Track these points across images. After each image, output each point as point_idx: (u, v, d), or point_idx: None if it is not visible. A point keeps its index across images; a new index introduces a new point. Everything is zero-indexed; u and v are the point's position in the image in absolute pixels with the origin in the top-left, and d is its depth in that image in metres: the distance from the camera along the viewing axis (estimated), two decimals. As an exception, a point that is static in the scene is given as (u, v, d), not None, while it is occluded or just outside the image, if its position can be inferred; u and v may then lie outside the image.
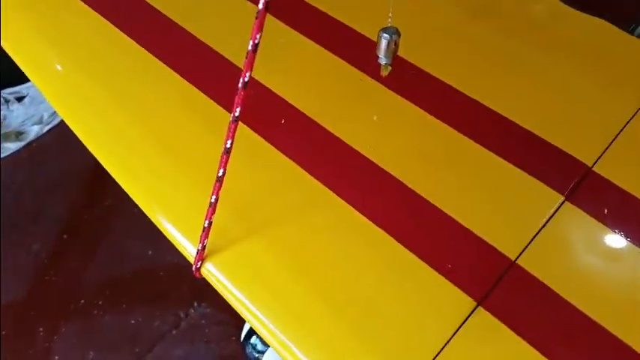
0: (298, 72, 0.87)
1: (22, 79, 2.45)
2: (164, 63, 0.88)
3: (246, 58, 0.51)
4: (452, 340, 0.60)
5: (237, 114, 0.55)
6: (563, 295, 0.62)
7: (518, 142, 0.75)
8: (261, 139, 0.78)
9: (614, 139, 0.73)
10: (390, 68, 0.66)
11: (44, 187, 2.17)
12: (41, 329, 1.81)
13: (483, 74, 0.84)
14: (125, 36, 0.93)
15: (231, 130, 0.57)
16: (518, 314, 0.61)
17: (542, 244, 0.66)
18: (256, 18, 0.47)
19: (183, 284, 1.85)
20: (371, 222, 0.69)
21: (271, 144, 0.77)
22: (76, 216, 2.07)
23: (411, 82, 0.82)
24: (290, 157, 0.75)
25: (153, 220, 0.75)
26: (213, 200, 0.63)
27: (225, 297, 0.67)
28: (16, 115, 2.41)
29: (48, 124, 2.35)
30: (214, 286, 0.68)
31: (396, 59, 0.64)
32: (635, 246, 0.65)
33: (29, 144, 2.31)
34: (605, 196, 0.69)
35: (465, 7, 0.93)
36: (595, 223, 0.67)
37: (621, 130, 0.74)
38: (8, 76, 2.47)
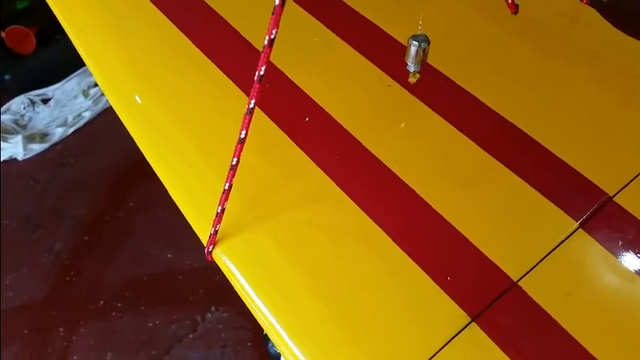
0: (328, 72, 0.86)
1: (49, 81, 2.51)
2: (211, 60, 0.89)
3: (262, 52, 0.51)
4: (440, 353, 0.59)
5: (251, 106, 0.56)
6: (563, 324, 0.60)
7: (541, 165, 0.73)
8: (283, 134, 0.78)
9: None
10: (418, 76, 0.66)
11: (67, 188, 2.20)
12: (61, 329, 1.83)
13: (514, 92, 0.82)
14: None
15: (246, 121, 0.58)
16: (512, 336, 0.60)
17: (549, 269, 0.64)
18: (272, 14, 0.47)
19: (201, 288, 1.86)
20: (378, 226, 0.68)
21: (292, 139, 0.77)
22: (98, 218, 2.09)
23: (440, 94, 0.81)
24: (308, 155, 0.76)
25: (176, 200, 0.77)
26: (226, 187, 0.65)
27: (230, 281, 0.69)
28: (42, 116, 2.44)
29: (72, 126, 2.38)
30: (222, 270, 0.70)
31: (427, 69, 0.64)
32: None
33: (53, 145, 2.35)
34: (622, 228, 0.66)
35: (507, 24, 0.91)
36: (606, 254, 0.65)
37: None
38: (36, 78, 2.52)
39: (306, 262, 0.67)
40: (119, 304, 1.87)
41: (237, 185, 0.65)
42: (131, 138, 2.41)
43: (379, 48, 0.88)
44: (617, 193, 0.69)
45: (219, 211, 0.67)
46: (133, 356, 1.75)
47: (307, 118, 0.80)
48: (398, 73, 0.83)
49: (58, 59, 2.53)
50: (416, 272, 0.64)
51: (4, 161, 2.30)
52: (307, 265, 0.67)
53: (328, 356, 0.62)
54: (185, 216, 0.75)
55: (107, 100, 2.42)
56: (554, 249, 0.65)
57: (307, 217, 0.71)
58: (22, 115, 2.45)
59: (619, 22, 0.89)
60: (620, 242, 0.65)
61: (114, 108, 0.89)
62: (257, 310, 0.65)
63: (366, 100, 0.82)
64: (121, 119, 0.87)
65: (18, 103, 2.47)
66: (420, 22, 0.63)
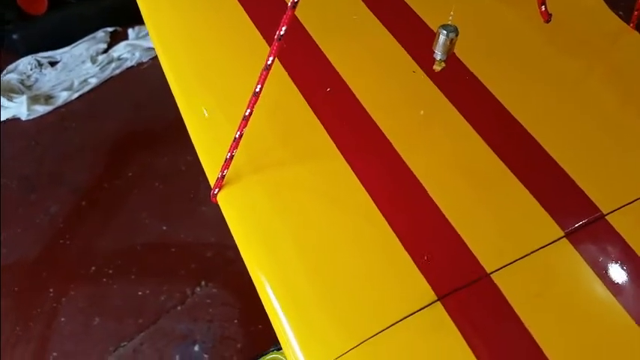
0: (358, 48, 0.89)
1: (58, 44, 2.51)
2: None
3: (273, 45, 0.58)
4: (401, 322, 0.63)
5: (269, 62, 0.61)
6: (525, 322, 0.63)
7: (542, 172, 0.75)
8: (302, 98, 0.82)
9: None
10: (443, 64, 0.67)
11: (67, 152, 2.22)
12: (51, 290, 1.85)
13: (534, 98, 0.83)
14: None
15: (263, 76, 0.63)
16: (473, 322, 0.63)
17: (523, 269, 0.66)
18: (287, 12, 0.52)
19: (193, 263, 1.88)
20: (370, 199, 0.72)
21: (310, 106, 0.81)
22: (96, 184, 2.11)
23: (461, 88, 0.83)
24: (322, 122, 0.79)
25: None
26: (237, 136, 0.70)
27: (228, 224, 0.75)
28: (48, 79, 2.45)
29: (77, 91, 2.39)
30: (223, 214, 0.76)
31: (454, 62, 0.65)
32: (618, 303, 0.64)
33: (57, 109, 2.35)
34: (607, 247, 0.68)
35: (543, 31, 0.91)
36: (585, 268, 0.66)
37: None
38: (45, 40, 2.52)
39: (293, 220, 0.73)
40: (110, 271, 1.89)
41: (248, 138, 0.70)
42: (135, 108, 2.43)
43: (412, 34, 0.90)
44: (610, 213, 0.70)
45: (227, 157, 0.72)
46: (120, 323, 1.77)
47: (328, 89, 0.83)
48: (425, 61, 0.85)
49: (68, 23, 2.53)
50: (396, 246, 0.68)
51: (7, 120, 2.31)
52: (294, 223, 0.73)
53: (297, 302, 0.67)
54: (200, 160, 0.80)
55: (114, 68, 2.43)
56: (533, 251, 0.67)
57: (304, 178, 0.76)
58: (29, 76, 2.45)
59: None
60: (602, 259, 0.67)
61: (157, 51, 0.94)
62: (244, 255, 0.72)
63: (389, 82, 0.85)
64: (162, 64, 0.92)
65: (25, 63, 2.47)
66: (452, 13, 0.65)
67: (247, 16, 0.93)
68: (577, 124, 0.80)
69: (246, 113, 0.67)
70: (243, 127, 0.69)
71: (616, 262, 0.67)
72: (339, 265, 0.68)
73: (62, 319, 1.80)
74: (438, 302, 0.64)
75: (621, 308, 0.64)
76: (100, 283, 1.87)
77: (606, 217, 0.70)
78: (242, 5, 0.95)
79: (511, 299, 0.64)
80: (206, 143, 0.81)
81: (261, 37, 0.90)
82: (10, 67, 2.46)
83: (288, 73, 0.85)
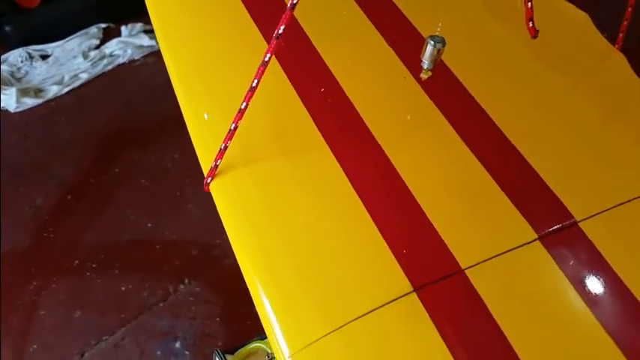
0: (354, 53, 0.94)
1: (50, 38, 2.51)
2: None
3: (271, 43, 0.63)
4: (378, 310, 0.66)
5: (266, 59, 0.66)
6: (495, 317, 0.66)
7: (520, 178, 0.78)
8: (297, 97, 0.86)
9: (615, 206, 0.75)
10: (430, 74, 0.71)
11: (55, 146, 2.22)
12: (33, 282, 1.85)
13: (517, 108, 0.87)
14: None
15: (260, 72, 0.67)
16: (446, 314, 0.66)
17: (497, 267, 0.70)
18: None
19: (177, 260, 1.89)
20: (355, 193, 0.76)
21: (303, 104, 0.85)
22: (83, 179, 2.11)
23: (449, 97, 0.87)
24: (314, 120, 0.83)
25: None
26: (232, 128, 0.74)
27: (219, 212, 0.79)
28: (38, 72, 2.45)
29: (68, 85, 2.40)
30: (215, 202, 0.80)
31: (442, 70, 0.68)
32: (585, 304, 0.67)
33: (47, 102, 2.36)
34: (578, 252, 0.72)
35: (531, 46, 0.94)
36: (556, 270, 0.70)
37: (627, 201, 0.76)
38: (37, 33, 2.52)
39: (280, 210, 0.77)
40: (94, 265, 1.89)
41: (243, 131, 0.74)
42: (125, 105, 2.44)
43: (404, 39, 0.94)
44: (583, 220, 0.74)
45: (222, 147, 0.76)
46: (101, 316, 1.78)
47: (322, 89, 0.87)
48: (416, 69, 0.87)
49: (61, 17, 2.54)
50: (377, 239, 0.72)
51: (-4, 111, 2.31)
52: (281, 213, 0.77)
53: (280, 287, 0.71)
54: (196, 150, 0.84)
55: (106, 65, 2.44)
56: (507, 251, 0.71)
57: (293, 171, 0.80)
58: (19, 68, 2.45)
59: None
60: (572, 262, 0.71)
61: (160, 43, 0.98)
62: (232, 242, 0.76)
63: (381, 86, 0.89)
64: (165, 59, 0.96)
65: (16, 55, 2.47)
66: (440, 24, 0.68)
67: (249, 16, 0.97)
68: (558, 137, 0.84)
69: (242, 106, 0.71)
70: (239, 120, 0.73)
71: (585, 267, 0.71)
72: (322, 254, 0.72)
73: (43, 312, 1.80)
74: (414, 293, 0.67)
75: (588, 310, 0.67)
76: (83, 276, 1.87)
77: (579, 224, 0.74)
78: (245, 5, 0.98)
79: (483, 294, 0.67)
80: (202, 134, 0.85)
81: (261, 36, 0.94)
82: (1, 58, 2.46)
83: (285, 73, 0.88)
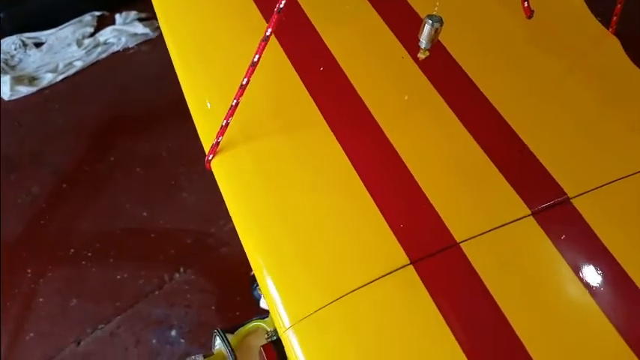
0: (352, 33, 0.95)
1: (44, 26, 2.49)
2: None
3: (272, 17, 0.64)
4: (375, 282, 0.69)
5: (267, 34, 0.67)
6: (489, 289, 0.69)
7: (513, 155, 0.81)
8: (297, 76, 0.88)
9: (607, 184, 0.78)
10: (427, 53, 0.71)
11: (50, 134, 2.22)
12: (29, 271, 1.86)
13: (512, 87, 0.89)
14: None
15: (261, 47, 0.68)
16: (442, 286, 0.69)
17: (491, 241, 0.73)
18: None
19: (173, 249, 1.90)
20: (353, 169, 0.78)
21: (303, 82, 0.87)
22: (78, 167, 2.11)
23: (446, 77, 0.89)
24: (313, 98, 0.85)
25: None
26: (233, 104, 0.75)
27: (220, 188, 0.81)
28: (32, 60, 2.44)
29: (62, 73, 2.38)
30: (215, 178, 0.82)
31: (442, 54, 0.74)
32: (576, 276, 0.70)
33: (41, 90, 2.35)
34: (570, 227, 0.74)
35: (528, 28, 0.96)
36: (548, 243, 0.73)
37: (618, 179, 0.78)
38: (31, 20, 2.50)
39: (279, 185, 0.79)
40: (89, 254, 1.90)
41: (243, 108, 0.75)
42: (119, 93, 2.43)
43: (404, 22, 0.95)
44: (576, 197, 0.76)
45: (223, 124, 0.77)
46: (97, 305, 1.79)
47: (321, 68, 0.89)
48: (414, 48, 0.90)
49: (55, 5, 2.52)
50: (375, 214, 0.75)
51: (-10, 99, 2.30)
52: (280, 189, 0.79)
53: (280, 260, 0.74)
54: (197, 128, 0.86)
55: (100, 53, 2.43)
56: (501, 226, 0.74)
57: (292, 148, 0.82)
58: (13, 56, 2.44)
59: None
60: (564, 237, 0.73)
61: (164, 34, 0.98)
62: (233, 217, 0.78)
63: (379, 66, 0.91)
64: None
65: (9, 42, 2.46)
66: (437, 4, 0.69)
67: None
68: (552, 117, 0.87)
69: (243, 82, 0.72)
70: (240, 96, 0.74)
71: (576, 241, 0.73)
72: (321, 228, 0.75)
73: (39, 300, 1.81)
74: (411, 266, 0.70)
75: (578, 281, 0.70)
76: (79, 265, 1.88)
77: (571, 200, 0.76)
78: None
79: (478, 267, 0.70)
80: (203, 114, 0.87)
81: (261, 16, 0.95)
82: (-5, 46, 2.45)
83: (285, 52, 0.90)
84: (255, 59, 0.69)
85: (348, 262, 0.72)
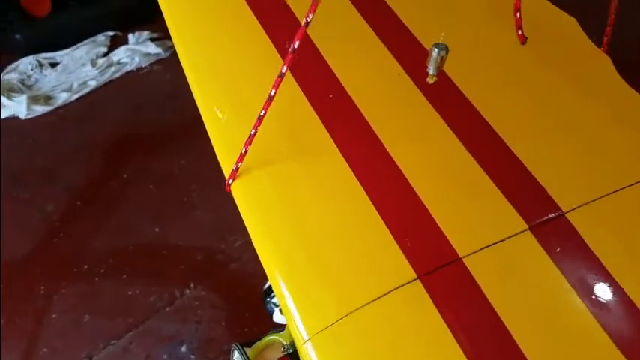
0: (358, 60, 1.00)
1: (59, 46, 2.55)
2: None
3: (287, 56, 0.68)
4: (386, 296, 0.73)
5: (283, 71, 0.71)
6: (491, 301, 0.72)
7: (509, 171, 0.84)
8: (307, 103, 0.92)
9: (600, 198, 0.80)
10: (435, 78, 0.76)
11: (65, 152, 2.26)
12: (42, 287, 1.89)
13: (512, 109, 0.92)
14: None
15: (277, 82, 0.72)
16: (447, 299, 0.72)
17: (491, 255, 0.76)
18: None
19: (183, 265, 1.93)
20: (363, 190, 0.82)
21: (314, 109, 0.92)
22: (91, 185, 2.15)
23: (444, 97, 0.92)
24: (324, 124, 0.90)
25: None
26: (252, 133, 0.79)
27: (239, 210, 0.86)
28: (48, 80, 2.49)
29: (77, 92, 2.43)
30: (235, 201, 0.87)
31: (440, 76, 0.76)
32: (572, 288, 0.73)
33: (56, 109, 2.40)
34: (566, 242, 0.77)
35: (524, 50, 1.00)
36: (545, 257, 0.76)
37: (611, 193, 0.81)
38: (46, 41, 2.56)
39: (294, 206, 0.84)
40: (102, 270, 1.93)
41: (259, 136, 0.80)
42: (132, 112, 2.47)
43: (400, 44, 1.00)
44: (569, 211, 0.79)
45: (242, 152, 0.82)
46: (110, 321, 1.81)
47: (331, 95, 0.94)
48: (409, 66, 0.97)
49: (70, 26, 2.58)
50: (383, 231, 0.79)
51: (7, 118, 2.35)
52: (295, 209, 0.84)
53: (296, 276, 0.77)
54: (217, 154, 0.92)
55: (114, 72, 2.48)
56: (500, 240, 0.77)
57: (305, 171, 0.87)
58: (29, 76, 2.50)
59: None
60: (559, 249, 0.76)
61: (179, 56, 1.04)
62: (252, 236, 0.82)
63: (380, 85, 0.96)
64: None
65: (26, 63, 2.52)
66: (443, 34, 0.73)
67: (260, 26, 1.04)
68: (545, 132, 0.90)
69: (261, 114, 0.77)
70: (258, 126, 0.78)
71: (572, 255, 0.76)
72: (334, 246, 0.79)
73: (53, 316, 1.84)
74: (418, 280, 0.74)
75: (575, 293, 0.73)
76: (92, 281, 1.90)
77: (566, 215, 0.79)
78: (256, 17, 1.05)
79: (479, 280, 0.73)
80: (222, 140, 0.92)
81: (273, 47, 1.00)
82: (11, 66, 2.50)
83: (297, 82, 0.95)
84: (272, 93, 0.74)
85: (359, 277, 0.76)
